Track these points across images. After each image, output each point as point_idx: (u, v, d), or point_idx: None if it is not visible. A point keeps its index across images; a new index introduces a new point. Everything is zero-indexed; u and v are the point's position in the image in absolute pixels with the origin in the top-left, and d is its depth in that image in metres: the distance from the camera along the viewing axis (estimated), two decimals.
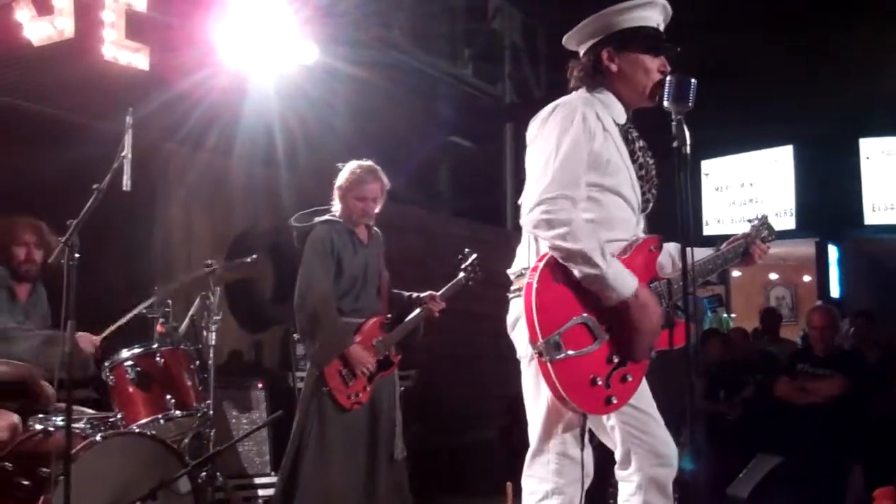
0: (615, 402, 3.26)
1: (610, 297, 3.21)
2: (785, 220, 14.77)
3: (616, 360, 3.26)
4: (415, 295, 5.79)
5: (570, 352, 3.15)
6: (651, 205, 3.63)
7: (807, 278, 17.25)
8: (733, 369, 8.58)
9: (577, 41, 3.68)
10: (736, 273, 16.54)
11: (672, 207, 3.10)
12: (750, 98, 13.23)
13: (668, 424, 3.50)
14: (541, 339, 3.12)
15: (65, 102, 6.40)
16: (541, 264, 3.24)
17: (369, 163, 5.56)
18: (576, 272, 3.20)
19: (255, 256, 6.17)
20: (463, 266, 5.94)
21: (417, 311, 5.69)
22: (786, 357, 8.27)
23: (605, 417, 3.45)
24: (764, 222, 3.98)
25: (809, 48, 12.25)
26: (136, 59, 6.63)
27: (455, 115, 12.00)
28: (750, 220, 4.00)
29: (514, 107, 12.67)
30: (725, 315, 16.53)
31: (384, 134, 9.15)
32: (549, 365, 3.12)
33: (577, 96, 3.57)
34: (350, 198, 5.47)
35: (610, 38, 3.56)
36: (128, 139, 4.38)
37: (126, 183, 4.34)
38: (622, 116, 3.57)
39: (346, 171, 5.52)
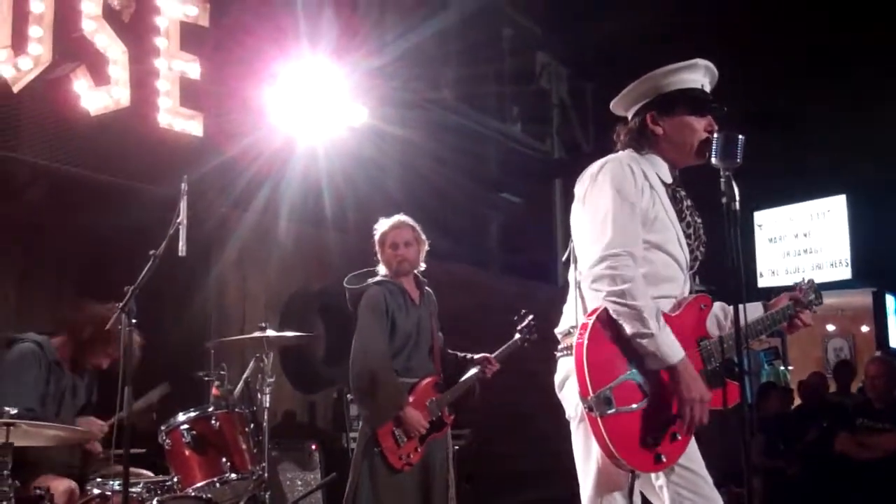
0: (664, 460, 3.24)
1: (656, 362, 3.22)
2: (841, 270, 14.61)
3: (665, 418, 3.25)
4: (469, 356, 5.78)
5: (621, 407, 3.15)
6: (699, 263, 3.63)
7: (864, 329, 16.97)
8: (796, 419, 8.45)
9: (623, 106, 3.72)
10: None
11: (724, 262, 3.10)
12: (801, 148, 13.17)
13: (725, 481, 3.46)
14: (591, 394, 3.12)
15: (122, 169, 6.53)
16: (591, 320, 3.25)
17: (398, 215, 5.63)
18: (627, 329, 3.20)
19: (315, 331, 6.16)
20: (519, 328, 5.92)
21: (472, 372, 5.67)
22: (848, 411, 8.14)
23: (653, 477, 3.43)
24: (812, 286, 3.93)
25: (859, 96, 12.20)
26: (190, 125, 6.76)
27: (504, 171, 12.07)
28: (797, 284, 3.93)
29: (562, 162, 12.72)
30: (783, 368, 16.30)
31: (432, 193, 9.22)
32: (599, 420, 3.12)
33: (626, 154, 3.60)
34: (386, 249, 5.54)
35: (656, 101, 3.59)
36: (183, 205, 4.47)
37: (182, 249, 4.41)
38: (668, 177, 3.59)
39: (378, 227, 5.61)
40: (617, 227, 3.30)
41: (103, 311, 5.03)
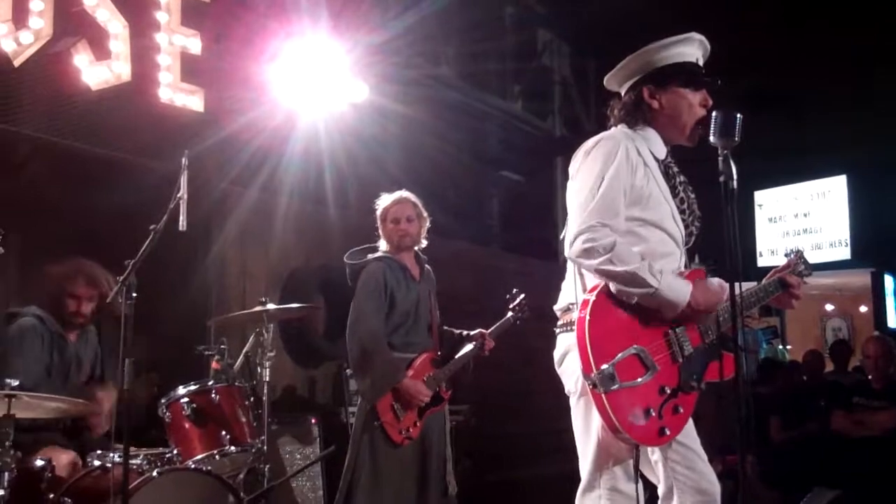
0: (668, 433, 3.28)
1: (671, 309, 3.27)
2: (840, 250, 14.64)
3: (668, 391, 3.28)
4: (465, 332, 5.80)
5: (625, 382, 3.18)
6: (694, 238, 3.65)
7: (863, 309, 17.04)
8: (801, 397, 8.48)
9: (618, 81, 3.75)
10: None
11: (723, 241, 3.12)
12: (803, 128, 13.16)
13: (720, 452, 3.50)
14: (594, 371, 3.15)
15: (122, 144, 6.53)
16: (591, 297, 3.28)
17: (399, 191, 5.65)
18: (629, 294, 3.24)
19: (315, 303, 6.18)
20: (511, 306, 5.96)
21: (468, 348, 5.69)
22: (845, 389, 8.17)
23: (649, 451, 3.46)
24: (800, 256, 3.96)
25: (861, 77, 12.18)
26: (191, 101, 6.76)
27: (505, 149, 12.06)
28: (786, 255, 3.98)
29: (564, 140, 12.70)
30: (781, 347, 16.36)
31: (434, 170, 9.23)
32: (603, 396, 3.15)
33: (619, 131, 3.62)
34: (387, 224, 5.56)
35: (650, 75, 3.62)
36: (183, 180, 4.48)
37: (182, 223, 4.43)
38: (662, 152, 3.62)
39: (379, 203, 5.62)
40: (596, 203, 3.34)
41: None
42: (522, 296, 5.97)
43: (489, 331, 5.76)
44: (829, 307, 17.92)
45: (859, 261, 14.72)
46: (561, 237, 3.50)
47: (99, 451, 4.79)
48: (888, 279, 15.31)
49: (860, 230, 14.62)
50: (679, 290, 3.28)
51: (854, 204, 14.75)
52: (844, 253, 14.63)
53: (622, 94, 3.72)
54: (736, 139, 3.21)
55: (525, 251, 11.39)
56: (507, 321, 5.90)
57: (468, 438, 7.32)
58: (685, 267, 3.61)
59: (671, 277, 3.29)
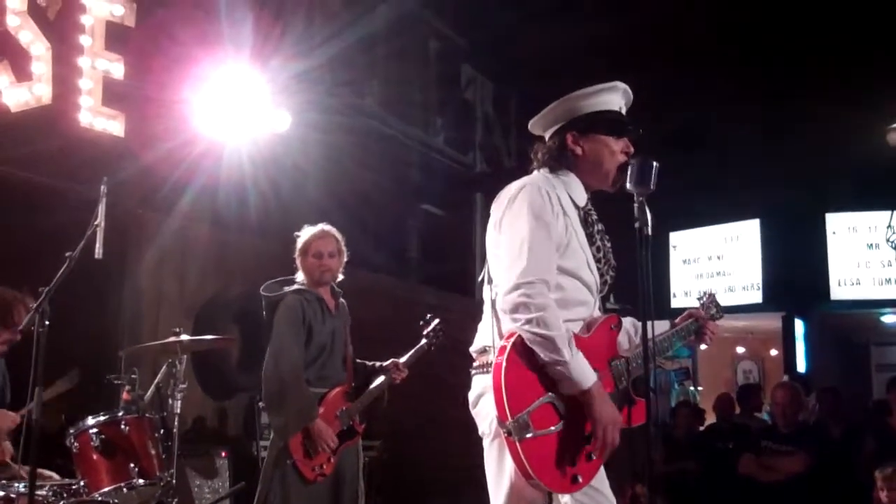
0: (581, 480, 3.30)
1: (569, 387, 3.28)
2: (752, 293, 14.90)
3: (581, 439, 3.31)
4: (378, 364, 5.79)
5: (539, 431, 3.20)
6: (608, 287, 3.70)
7: (773, 352, 17.34)
8: (705, 437, 8.61)
9: (542, 126, 3.77)
10: (703, 346, 16.63)
11: (638, 283, 3.17)
12: (718, 172, 13.42)
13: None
14: (510, 419, 3.16)
15: (40, 168, 6.43)
16: (508, 344, 3.29)
17: (322, 224, 5.64)
18: (542, 356, 3.26)
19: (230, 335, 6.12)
20: (425, 332, 5.94)
21: (381, 379, 5.69)
22: (753, 433, 8.31)
23: (560, 495, 3.48)
24: (712, 300, 4.06)
25: (776, 123, 12.47)
26: (111, 125, 6.70)
27: (426, 182, 12.11)
28: (698, 298, 4.08)
29: (484, 176, 12.80)
30: (692, 388, 16.57)
31: (356, 200, 9.25)
32: (517, 444, 3.16)
33: (540, 176, 3.64)
34: (308, 258, 5.53)
35: (574, 122, 3.65)
36: (101, 208, 4.44)
37: (98, 251, 4.39)
38: (582, 199, 3.65)
39: (302, 235, 5.60)
40: (532, 255, 3.34)
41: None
42: (437, 321, 5.95)
43: (403, 359, 5.76)
44: (740, 349, 18.21)
45: (771, 304, 14.98)
46: (479, 279, 3.52)
47: (3, 481, 4.68)
48: (798, 323, 15.58)
49: (772, 274, 14.89)
50: (585, 373, 3.28)
51: (766, 248, 15.02)
52: (756, 296, 14.89)
53: (546, 138, 3.76)
54: (651, 187, 3.27)
55: (443, 285, 11.42)
56: (420, 348, 5.88)
57: (381, 473, 7.30)
58: (600, 311, 3.66)
59: (584, 362, 3.31)
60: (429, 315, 6.01)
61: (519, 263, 3.34)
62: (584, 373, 3.28)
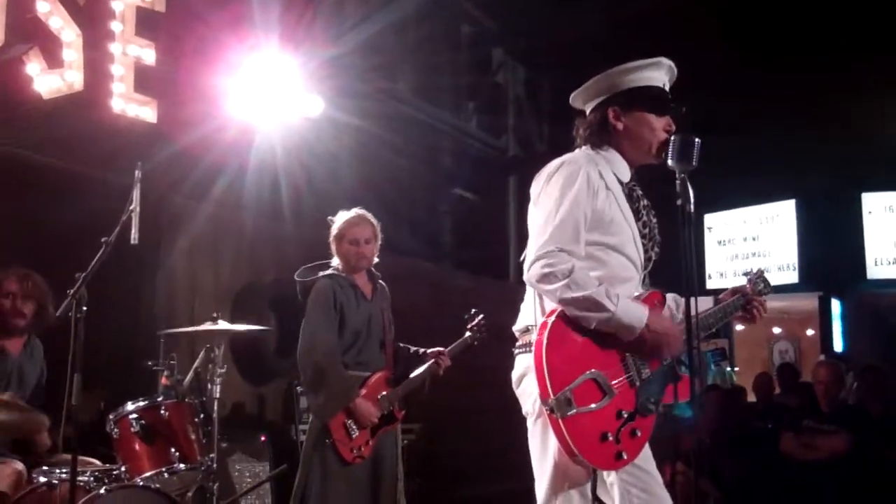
0: (625, 457, 3.26)
1: (629, 333, 3.26)
2: (788, 274, 14.81)
3: (625, 415, 3.27)
4: (421, 350, 5.77)
5: (582, 408, 3.16)
6: (652, 263, 3.65)
7: (810, 332, 17.22)
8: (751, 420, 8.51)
9: (583, 100, 3.72)
10: (739, 326, 16.54)
11: (676, 262, 3.12)
12: (753, 153, 13.30)
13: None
14: (552, 396, 3.13)
15: (73, 155, 6.42)
16: (550, 320, 3.26)
17: (357, 209, 5.61)
18: (587, 319, 3.23)
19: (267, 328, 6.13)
20: (469, 326, 5.93)
21: (424, 367, 5.67)
22: (793, 412, 8.22)
23: (605, 473, 3.44)
24: (760, 276, 4.01)
25: (813, 104, 12.33)
26: (143, 112, 6.69)
27: (459, 167, 12.08)
28: (746, 274, 4.03)
29: (516, 160, 12.75)
30: (729, 368, 16.46)
31: (388, 185, 9.21)
32: (560, 421, 3.13)
33: (582, 154, 3.60)
34: (344, 244, 5.51)
35: (616, 97, 3.60)
36: (136, 193, 4.43)
37: (134, 236, 4.38)
38: (626, 174, 3.61)
39: (337, 220, 5.57)
40: (555, 228, 3.33)
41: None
42: (481, 316, 5.95)
43: (447, 350, 5.73)
44: (776, 330, 18.08)
45: (807, 285, 14.89)
46: (521, 259, 3.47)
47: (45, 467, 4.68)
48: (835, 303, 15.49)
49: (808, 254, 14.80)
50: (635, 314, 3.27)
51: (802, 228, 14.93)
52: (792, 277, 14.81)
53: (587, 112, 3.71)
54: (694, 163, 3.23)
55: (477, 269, 11.37)
56: (464, 341, 5.87)
57: (419, 457, 7.27)
58: (644, 288, 3.61)
59: (627, 302, 3.28)
60: (473, 310, 6.00)
61: (542, 237, 3.34)
62: (635, 313, 3.28)
